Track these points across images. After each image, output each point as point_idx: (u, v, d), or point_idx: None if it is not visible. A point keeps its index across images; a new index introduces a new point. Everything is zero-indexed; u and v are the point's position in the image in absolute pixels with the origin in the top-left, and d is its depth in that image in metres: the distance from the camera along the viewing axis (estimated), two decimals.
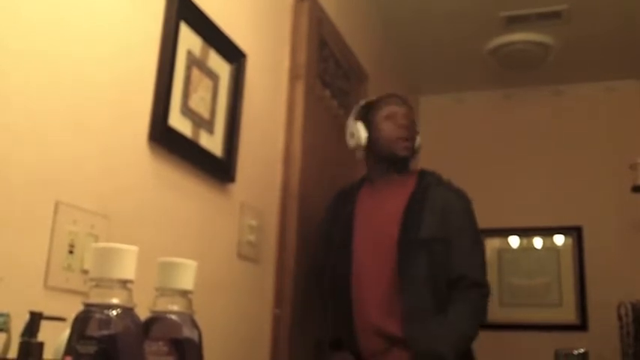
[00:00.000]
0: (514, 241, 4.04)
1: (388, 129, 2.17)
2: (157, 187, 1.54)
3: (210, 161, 1.75)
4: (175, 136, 1.59)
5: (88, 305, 0.68)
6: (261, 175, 2.09)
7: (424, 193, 2.10)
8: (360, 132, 2.18)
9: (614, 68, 3.91)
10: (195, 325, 0.77)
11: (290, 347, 2.09)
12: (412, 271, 1.98)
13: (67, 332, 0.70)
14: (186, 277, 0.77)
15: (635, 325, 3.22)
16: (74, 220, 1.25)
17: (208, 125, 1.75)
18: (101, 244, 0.72)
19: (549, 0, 3.23)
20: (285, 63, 2.28)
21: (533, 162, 4.04)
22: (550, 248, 3.96)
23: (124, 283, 0.69)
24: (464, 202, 2.13)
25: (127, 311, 0.69)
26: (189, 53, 1.66)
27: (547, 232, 3.95)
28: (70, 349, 0.67)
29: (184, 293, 0.77)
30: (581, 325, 3.76)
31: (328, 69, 2.64)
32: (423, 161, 2.58)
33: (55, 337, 0.95)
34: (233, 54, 1.88)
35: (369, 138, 2.18)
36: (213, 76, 1.78)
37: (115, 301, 0.68)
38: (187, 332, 0.76)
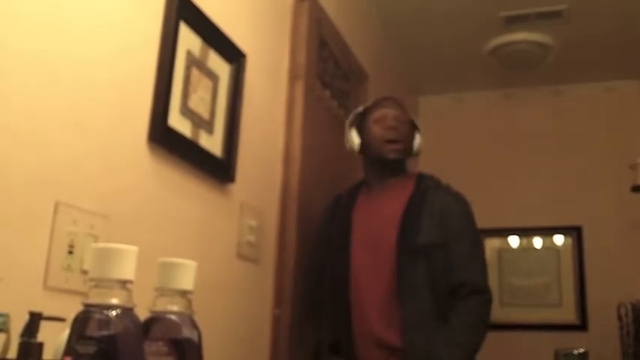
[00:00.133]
0: (514, 241, 4.04)
1: (377, 132, 2.17)
2: (156, 187, 1.54)
3: (210, 161, 1.75)
4: (175, 137, 1.59)
5: (87, 305, 0.68)
6: (261, 175, 2.09)
7: (422, 197, 2.08)
8: (352, 138, 2.22)
9: (614, 68, 3.91)
10: (194, 325, 0.77)
11: (290, 347, 2.09)
12: (411, 278, 1.96)
13: (66, 332, 0.70)
14: (186, 278, 0.77)
15: (635, 325, 3.22)
16: (74, 221, 1.25)
17: (208, 125, 1.75)
18: (101, 245, 0.72)
19: (549, 0, 3.23)
20: (285, 63, 2.28)
21: (533, 162, 4.04)
22: (550, 248, 3.96)
23: (123, 284, 0.69)
24: (462, 205, 2.11)
25: (127, 311, 0.69)
26: (189, 53, 1.66)
27: (547, 232, 3.95)
28: (69, 349, 0.67)
29: (184, 293, 0.77)
30: (581, 325, 3.76)
31: (328, 69, 2.64)
32: (422, 161, 2.57)
33: (54, 338, 0.95)
34: (233, 54, 1.88)
35: (363, 143, 2.19)
36: (212, 77, 1.78)
37: (114, 301, 0.68)
38: (187, 332, 0.76)
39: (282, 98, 2.26)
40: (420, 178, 2.19)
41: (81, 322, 0.67)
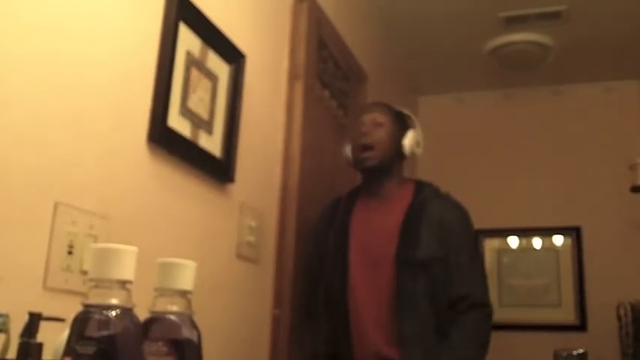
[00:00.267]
0: (513, 241, 4.04)
1: (352, 140, 2.13)
2: (156, 187, 1.54)
3: (210, 162, 1.75)
4: (174, 137, 1.59)
5: (87, 306, 0.68)
6: (261, 175, 2.09)
7: (421, 208, 2.03)
8: (346, 152, 2.19)
9: (613, 68, 3.91)
10: (194, 325, 0.77)
11: (289, 348, 2.09)
12: (410, 292, 1.94)
13: (66, 333, 0.70)
14: (186, 278, 0.77)
15: (635, 325, 3.22)
16: (73, 221, 1.25)
17: (207, 126, 1.75)
18: (100, 245, 0.72)
19: (549, 0, 3.23)
20: (285, 63, 2.28)
21: (533, 162, 4.05)
22: (549, 248, 3.96)
23: (123, 284, 0.69)
24: (462, 216, 2.08)
25: (126, 312, 0.69)
26: (189, 54, 1.66)
27: (546, 232, 3.96)
28: (69, 349, 0.67)
29: (184, 294, 0.77)
30: (581, 326, 3.77)
31: (327, 69, 2.64)
32: (422, 161, 2.57)
33: (54, 338, 0.95)
34: (232, 54, 1.88)
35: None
36: (212, 77, 1.78)
37: (114, 301, 0.68)
38: (187, 333, 0.76)
39: (282, 98, 2.26)
40: (419, 186, 2.13)
41: (80, 323, 0.67)
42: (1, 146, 1.12)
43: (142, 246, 0.82)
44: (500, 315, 3.89)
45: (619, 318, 3.30)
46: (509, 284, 3.94)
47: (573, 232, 3.89)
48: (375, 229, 2.07)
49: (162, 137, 1.53)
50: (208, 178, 1.76)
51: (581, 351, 2.11)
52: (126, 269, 0.70)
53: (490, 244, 3.99)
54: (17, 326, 0.96)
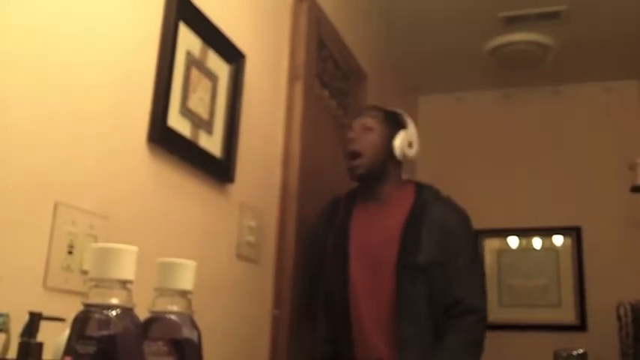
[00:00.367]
0: (513, 241, 4.04)
1: (343, 148, 2.12)
2: (156, 187, 1.54)
3: (210, 162, 1.75)
4: (174, 137, 1.59)
5: (87, 305, 0.68)
6: (261, 175, 2.09)
7: (422, 211, 2.02)
8: (343, 156, 2.17)
9: (613, 68, 3.91)
10: (194, 325, 0.77)
11: (289, 348, 2.09)
12: (410, 297, 1.94)
13: (66, 332, 0.70)
14: (186, 278, 0.77)
15: (635, 325, 3.22)
16: (73, 221, 1.25)
17: (207, 126, 1.75)
18: (100, 245, 0.72)
19: (548, 0, 3.24)
20: (284, 63, 2.28)
21: (533, 162, 4.05)
22: (549, 249, 3.96)
23: (123, 284, 0.69)
24: (462, 220, 2.07)
25: (127, 311, 0.69)
26: (189, 54, 1.66)
27: (546, 232, 3.96)
28: (69, 349, 0.67)
29: (184, 293, 0.77)
30: (581, 326, 3.77)
31: (327, 69, 2.65)
32: (422, 160, 2.57)
33: (54, 338, 0.95)
34: (232, 54, 1.88)
35: None
36: (212, 77, 1.78)
37: (114, 301, 0.68)
38: (187, 332, 0.76)
39: (282, 98, 2.26)
40: (419, 189, 2.12)
41: (81, 322, 0.67)
42: (1, 146, 1.12)
43: (142, 246, 0.82)
44: (500, 315, 3.91)
45: (619, 318, 3.30)
46: (509, 284, 3.94)
47: (573, 232, 3.89)
48: (375, 233, 2.06)
49: (162, 137, 1.53)
50: (208, 178, 1.76)
51: (581, 351, 2.10)
52: (126, 269, 0.70)
53: (490, 244, 3.99)
54: (17, 326, 0.96)
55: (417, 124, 2.24)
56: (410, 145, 2.11)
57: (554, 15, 3.33)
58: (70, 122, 1.28)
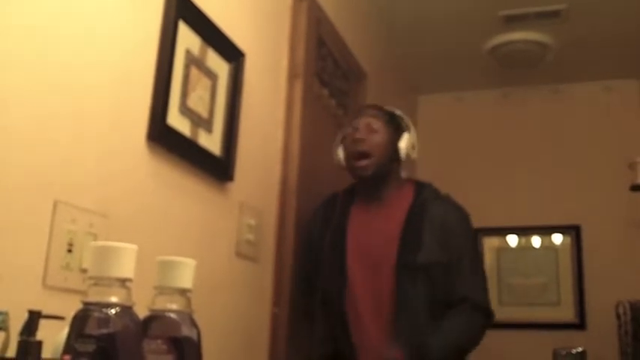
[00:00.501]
0: (512, 240, 4.04)
1: (347, 146, 2.07)
2: (155, 186, 1.54)
3: (209, 160, 1.75)
4: (174, 135, 1.59)
5: (86, 304, 0.68)
6: (260, 173, 2.09)
7: (422, 210, 2.01)
8: (338, 155, 2.14)
9: (612, 67, 3.91)
10: (194, 323, 0.78)
11: (288, 346, 2.09)
12: (410, 297, 1.93)
13: (65, 331, 0.70)
14: (185, 276, 0.78)
15: (633, 324, 3.22)
16: (73, 219, 1.25)
17: (207, 124, 1.75)
18: (100, 243, 0.72)
19: None
20: (284, 62, 2.28)
21: (532, 161, 4.05)
22: (548, 247, 3.96)
23: (122, 282, 0.70)
24: (463, 218, 2.07)
25: (126, 310, 0.69)
26: (188, 52, 1.66)
27: (545, 231, 3.96)
28: (68, 347, 0.67)
29: (183, 292, 0.77)
30: (580, 324, 3.77)
31: (326, 68, 2.65)
32: (421, 160, 2.57)
33: (53, 336, 0.95)
34: (232, 53, 1.88)
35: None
36: (211, 75, 1.78)
37: (113, 299, 0.68)
38: (186, 331, 0.76)
39: (281, 97, 2.26)
40: (419, 187, 2.11)
41: (80, 321, 0.68)
42: (1, 146, 1.12)
43: (141, 244, 0.83)
44: (499, 314, 3.86)
45: (618, 317, 3.30)
46: (508, 283, 3.94)
47: (572, 231, 3.89)
48: (374, 232, 2.05)
49: (161, 136, 1.53)
50: (208, 177, 1.76)
51: (580, 350, 2.11)
52: (125, 267, 0.70)
53: (489, 243, 3.99)
54: (17, 324, 0.96)
55: (417, 123, 2.24)
56: (413, 147, 2.12)
57: (554, 14, 3.33)
58: (70, 122, 1.28)
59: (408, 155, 2.09)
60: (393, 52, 3.69)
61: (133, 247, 0.71)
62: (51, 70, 1.23)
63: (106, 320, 0.67)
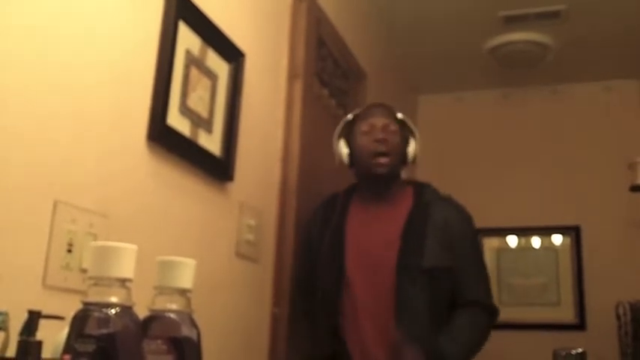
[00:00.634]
0: (512, 240, 4.04)
1: (365, 144, 2.06)
2: (155, 186, 1.54)
3: (209, 160, 1.75)
4: (174, 136, 1.59)
5: (86, 304, 0.68)
6: (260, 174, 2.09)
7: (423, 212, 2.01)
8: (341, 150, 2.13)
9: (612, 68, 3.91)
10: (194, 323, 0.78)
11: (288, 346, 2.09)
12: (411, 301, 1.92)
13: (65, 331, 0.70)
14: (185, 276, 0.78)
15: (634, 324, 3.22)
16: (73, 219, 1.25)
17: (207, 124, 1.75)
18: (100, 243, 0.72)
19: (548, 0, 3.24)
20: (284, 62, 2.29)
21: (532, 161, 4.05)
22: (548, 248, 3.96)
23: (122, 282, 0.70)
24: (465, 219, 2.07)
25: (126, 310, 0.69)
26: (188, 52, 1.66)
27: (545, 231, 3.96)
28: (68, 347, 0.67)
29: (183, 292, 0.77)
30: (580, 325, 3.77)
31: (326, 68, 2.65)
32: (421, 161, 2.57)
33: (53, 336, 0.95)
34: (232, 53, 1.88)
35: (351, 154, 2.11)
36: (211, 76, 1.78)
37: (113, 299, 0.68)
38: (186, 331, 0.76)
39: (281, 97, 2.26)
40: (419, 189, 2.11)
41: (80, 321, 0.67)
42: (1, 146, 1.12)
43: (141, 244, 0.83)
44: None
45: (618, 317, 3.30)
46: (508, 283, 3.94)
47: (572, 232, 3.89)
48: (375, 233, 2.04)
49: (161, 136, 1.53)
50: (208, 177, 1.76)
51: (580, 350, 2.11)
52: (125, 267, 0.70)
53: (489, 244, 3.99)
54: (17, 324, 0.96)
55: (417, 123, 2.25)
56: (418, 153, 2.15)
57: (554, 14, 3.33)
58: (70, 122, 1.28)
59: (412, 160, 2.13)
60: (393, 52, 3.69)
61: (133, 247, 0.71)
62: (51, 70, 1.23)
63: (105, 320, 0.67)
